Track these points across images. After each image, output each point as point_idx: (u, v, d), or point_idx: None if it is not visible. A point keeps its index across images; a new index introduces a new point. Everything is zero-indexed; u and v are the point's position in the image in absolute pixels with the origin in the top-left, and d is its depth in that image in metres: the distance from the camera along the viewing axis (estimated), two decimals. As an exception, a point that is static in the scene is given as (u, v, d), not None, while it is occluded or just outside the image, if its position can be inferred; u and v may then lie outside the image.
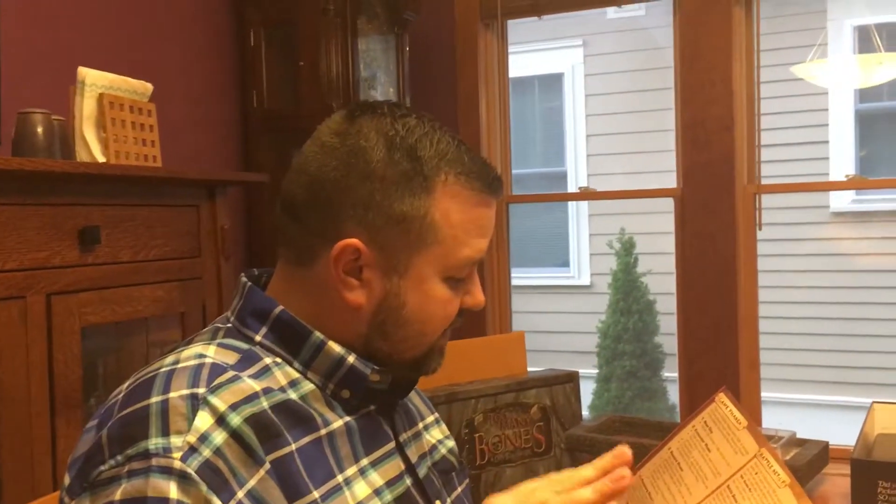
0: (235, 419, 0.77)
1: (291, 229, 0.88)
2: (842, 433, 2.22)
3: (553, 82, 6.98)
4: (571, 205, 6.86)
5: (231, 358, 0.84)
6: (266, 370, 0.84)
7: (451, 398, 1.89)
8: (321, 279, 0.87)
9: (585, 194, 2.98)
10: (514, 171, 2.98)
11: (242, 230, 2.71)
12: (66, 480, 0.77)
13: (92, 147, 1.78)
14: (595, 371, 5.81)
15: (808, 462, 1.69)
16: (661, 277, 5.47)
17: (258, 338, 0.87)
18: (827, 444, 1.83)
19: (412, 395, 1.03)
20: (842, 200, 6.00)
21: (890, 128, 6.20)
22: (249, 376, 0.82)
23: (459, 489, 1.02)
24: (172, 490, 0.71)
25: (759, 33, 2.52)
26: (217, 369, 0.81)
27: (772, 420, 2.79)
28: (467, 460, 1.88)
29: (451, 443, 1.05)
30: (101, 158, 1.78)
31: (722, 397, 1.07)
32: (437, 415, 1.08)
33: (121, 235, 1.77)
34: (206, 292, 2.01)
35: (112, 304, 1.73)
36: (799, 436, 1.85)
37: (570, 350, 6.18)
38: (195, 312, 1.95)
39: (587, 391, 5.57)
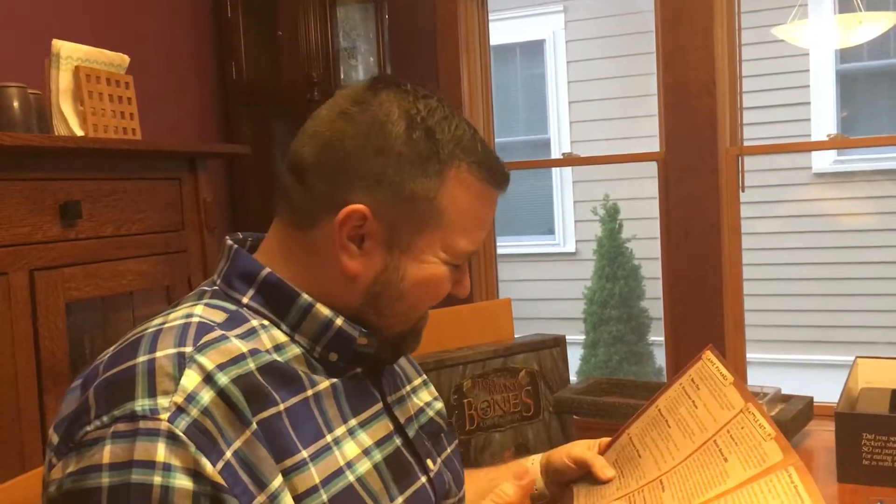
0: (223, 378, 0.76)
1: (295, 191, 0.88)
2: (826, 391, 2.24)
3: (534, 49, 6.94)
4: (555, 172, 6.85)
5: (218, 317, 0.83)
6: (252, 332, 0.84)
7: (440, 364, 1.90)
8: (319, 244, 0.87)
9: (569, 160, 2.99)
10: (497, 140, 2.97)
11: (225, 202, 2.70)
12: (54, 440, 0.77)
13: (69, 121, 1.76)
14: (582, 337, 5.85)
15: (792, 417, 1.71)
16: (645, 242, 5.50)
17: (245, 300, 0.87)
18: (811, 399, 1.85)
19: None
20: (823, 161, 6.02)
21: (870, 87, 6.21)
22: (236, 336, 0.81)
23: (449, 450, 1.03)
24: (160, 452, 0.71)
25: (739, -6, 2.51)
26: (204, 328, 0.80)
27: (757, 380, 2.82)
28: (457, 426, 1.89)
29: (438, 404, 1.05)
30: (79, 132, 1.76)
31: (709, 355, 1.07)
32: (424, 377, 1.08)
33: (103, 210, 1.75)
34: (191, 265, 2.00)
35: (96, 279, 1.72)
36: (781, 390, 1.87)
37: (556, 317, 6.21)
38: (181, 286, 1.94)
39: (574, 357, 5.61)
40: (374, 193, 0.84)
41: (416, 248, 0.87)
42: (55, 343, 1.60)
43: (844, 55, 5.96)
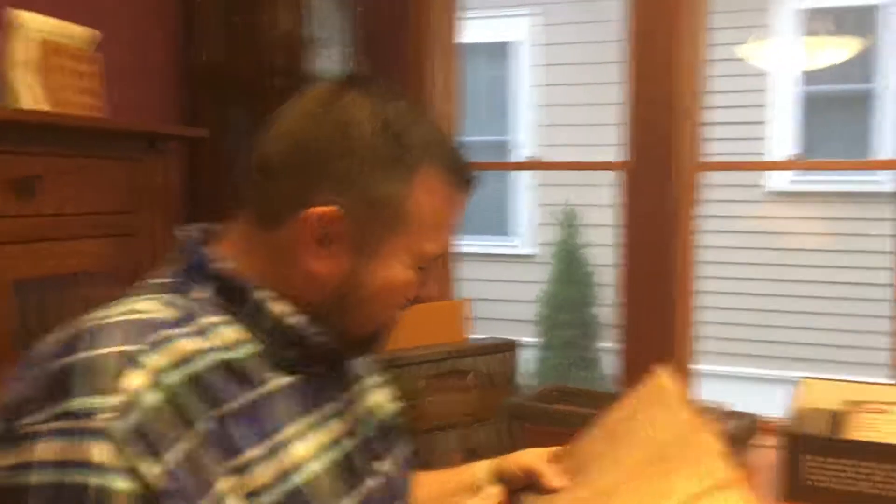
0: (167, 380, 0.74)
1: (261, 189, 0.87)
2: (772, 405, 2.28)
3: (502, 51, 6.96)
4: (514, 175, 6.88)
5: (167, 314, 0.80)
6: (203, 330, 0.81)
7: (392, 364, 1.89)
8: (285, 244, 0.85)
9: (530, 164, 3.01)
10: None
11: (184, 186, 2.65)
12: None
13: (25, 94, 1.71)
14: (535, 340, 5.89)
15: (737, 433, 1.74)
16: (599, 249, 5.55)
17: (197, 295, 0.84)
18: (755, 416, 1.88)
19: None
20: (780, 180, 6.14)
21: (831, 111, 6.34)
22: (186, 335, 0.79)
23: (400, 452, 1.03)
24: (95, 454, 0.68)
25: (708, 12, 2.54)
26: (151, 326, 0.78)
27: (705, 392, 2.86)
28: (408, 427, 1.89)
29: (392, 406, 1.05)
30: (35, 106, 1.72)
31: (660, 371, 1.09)
32: (380, 378, 1.07)
33: (57, 188, 1.71)
34: (144, 248, 1.96)
35: (47, 259, 1.68)
36: (727, 406, 1.90)
37: (512, 318, 6.25)
38: (133, 268, 1.91)
39: (526, 360, 5.65)
40: (341, 196, 0.84)
41: (383, 252, 0.86)
42: (1, 321, 1.56)
43: (807, 77, 6.07)
